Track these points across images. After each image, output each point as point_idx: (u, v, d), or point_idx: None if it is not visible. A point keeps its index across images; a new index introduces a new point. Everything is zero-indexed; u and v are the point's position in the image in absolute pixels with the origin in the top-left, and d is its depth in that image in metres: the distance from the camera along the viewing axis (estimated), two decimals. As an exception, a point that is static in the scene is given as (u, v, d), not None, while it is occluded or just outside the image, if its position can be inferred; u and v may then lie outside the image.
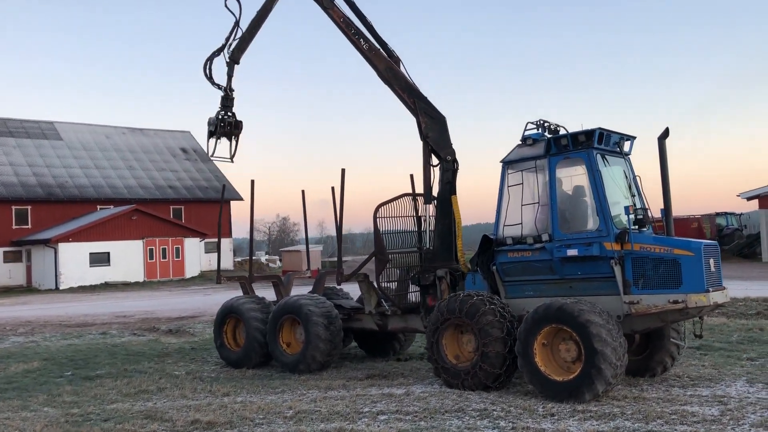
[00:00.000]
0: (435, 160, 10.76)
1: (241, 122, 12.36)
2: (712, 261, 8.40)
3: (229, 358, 12.09)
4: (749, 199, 39.10)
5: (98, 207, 48.62)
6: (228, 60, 12.03)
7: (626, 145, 9.53)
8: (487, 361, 8.83)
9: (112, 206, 48.49)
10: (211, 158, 12.44)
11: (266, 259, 75.08)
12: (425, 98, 10.73)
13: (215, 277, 13.65)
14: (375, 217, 10.77)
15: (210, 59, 12.04)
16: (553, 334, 8.47)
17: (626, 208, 8.43)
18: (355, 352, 13.25)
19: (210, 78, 12.10)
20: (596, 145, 8.86)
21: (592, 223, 8.87)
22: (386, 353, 12.53)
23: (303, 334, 11.03)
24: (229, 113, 12.29)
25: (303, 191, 13.65)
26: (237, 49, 12.03)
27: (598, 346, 7.88)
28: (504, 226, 9.49)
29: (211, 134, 12.31)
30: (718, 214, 44.08)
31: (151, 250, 45.17)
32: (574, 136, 8.99)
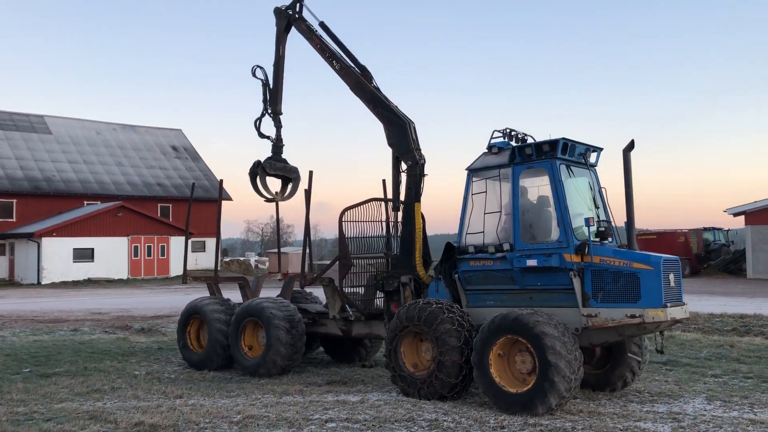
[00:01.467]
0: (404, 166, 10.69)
1: (296, 168, 13.16)
2: (672, 276, 8.30)
3: (191, 360, 11.93)
4: (735, 215, 39.16)
5: (85, 202, 48.33)
6: (272, 116, 13.01)
7: (592, 157, 9.44)
8: (444, 371, 8.71)
9: (99, 202, 48.19)
10: (266, 199, 12.83)
11: (256, 261, 74.88)
12: (388, 106, 10.78)
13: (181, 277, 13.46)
14: (340, 221, 10.64)
15: (259, 119, 13.03)
16: (510, 345, 8.36)
17: (586, 220, 8.32)
18: (321, 357, 13.12)
19: (260, 133, 13.02)
20: (560, 155, 8.77)
21: (553, 234, 8.76)
22: (352, 359, 12.39)
23: (265, 337, 10.89)
24: (280, 159, 12.97)
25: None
26: (273, 103, 13.01)
27: (551, 358, 7.77)
28: (467, 234, 9.38)
29: (256, 176, 12.80)
30: (705, 229, 44.08)
31: (136, 248, 44.92)
32: (538, 146, 8.90)
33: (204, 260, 53.23)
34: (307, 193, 12.27)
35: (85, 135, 55.19)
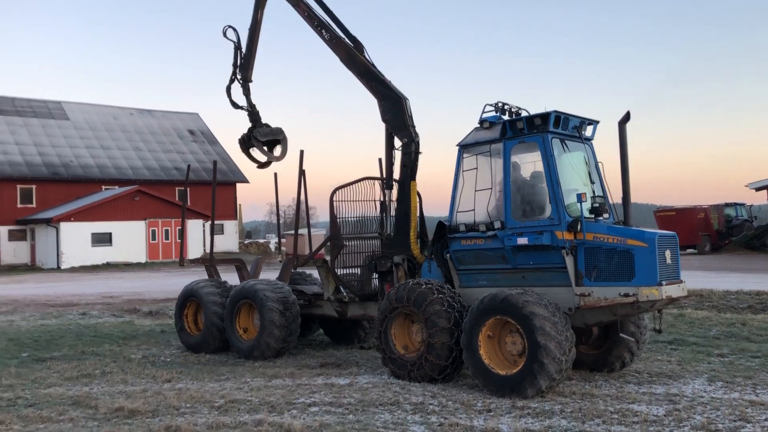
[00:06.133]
0: (399, 143, 10.42)
1: (280, 128, 12.76)
2: (668, 252, 7.97)
3: (188, 343, 11.86)
4: (758, 189, 38.26)
5: (103, 187, 48.71)
6: (241, 82, 12.55)
7: (588, 130, 9.08)
8: (433, 353, 8.50)
9: (116, 187, 48.54)
10: (259, 166, 12.73)
11: (276, 242, 75.19)
12: (383, 81, 10.43)
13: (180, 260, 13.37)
14: (331, 201, 10.42)
15: (228, 86, 12.62)
16: (500, 326, 8.11)
17: (578, 196, 7.99)
18: (321, 339, 12.98)
19: (232, 102, 12.61)
20: (552, 129, 8.43)
21: (545, 211, 8.45)
22: (351, 341, 12.24)
23: (259, 319, 10.75)
24: (262, 126, 12.61)
25: (276, 173, 13.28)
26: (244, 69, 12.52)
27: (541, 339, 7.51)
28: (458, 212, 9.11)
29: (248, 148, 12.66)
30: (727, 205, 43.07)
31: (153, 231, 45.20)
32: (529, 120, 8.56)
33: (221, 242, 53.54)
34: (303, 173, 12.00)
35: (102, 120, 55.49)
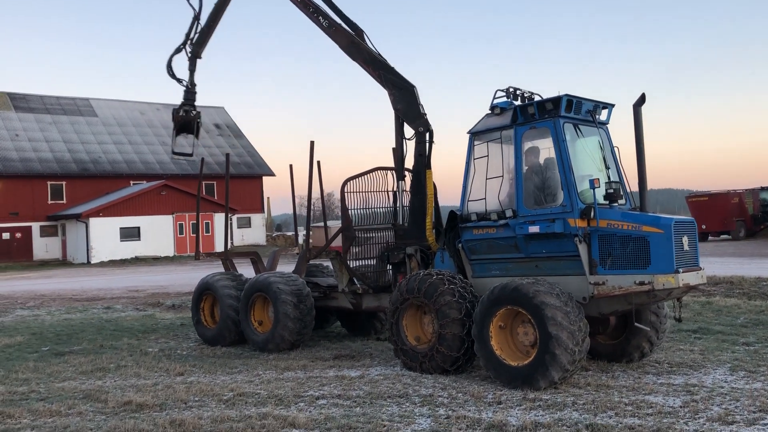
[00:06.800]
0: (410, 132, 10.23)
1: (198, 113, 12.46)
2: (685, 239, 7.70)
3: (205, 336, 11.88)
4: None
5: (131, 182, 49.35)
6: (189, 55, 12.02)
7: (603, 114, 8.81)
8: (444, 344, 8.36)
9: (144, 182, 49.13)
10: (173, 155, 12.67)
11: (305, 235, 75.26)
12: (392, 69, 10.19)
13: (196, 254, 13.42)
14: (342, 192, 10.30)
15: (172, 56, 11.98)
16: (512, 317, 7.93)
17: (591, 182, 7.76)
18: (338, 330, 12.92)
19: (172, 74, 12.06)
20: (564, 113, 8.19)
21: (557, 198, 8.22)
22: (367, 332, 12.15)
23: (273, 312, 10.71)
24: (194, 110, 12.33)
25: (291, 165, 13.21)
26: (197, 43, 11.98)
27: (552, 330, 7.32)
28: (469, 201, 8.92)
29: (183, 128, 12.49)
30: (763, 189, 41.93)
31: (180, 225, 45.68)
32: (540, 104, 8.33)
33: (248, 235, 54.00)
34: (318, 164, 11.90)
35: (130, 116, 56.18)
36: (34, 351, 11.52)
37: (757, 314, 12.63)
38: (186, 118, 12.39)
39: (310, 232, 12.06)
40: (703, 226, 38.99)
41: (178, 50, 12.04)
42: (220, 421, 6.57)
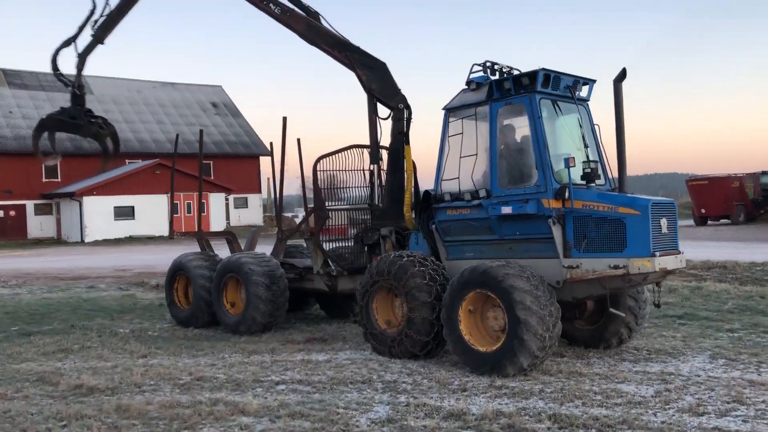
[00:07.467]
0: (385, 113, 9.85)
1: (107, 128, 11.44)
2: (664, 221, 7.35)
3: (178, 317, 11.62)
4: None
5: (126, 161, 48.93)
6: (92, 38, 10.84)
7: (583, 90, 8.42)
8: (414, 328, 8.06)
9: (140, 160, 48.72)
10: (44, 161, 11.47)
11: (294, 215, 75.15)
12: (358, 49, 9.75)
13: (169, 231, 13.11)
14: (315, 170, 9.96)
15: (58, 49, 10.75)
16: (483, 301, 7.62)
17: (566, 160, 7.39)
18: (318, 313, 12.63)
19: (56, 67, 10.87)
20: (540, 88, 7.80)
21: (532, 177, 7.86)
22: (345, 315, 11.85)
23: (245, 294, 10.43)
24: (97, 116, 11.51)
25: (271, 143, 12.77)
26: (104, 27, 10.88)
27: (521, 314, 7.01)
28: (443, 180, 8.58)
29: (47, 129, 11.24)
30: (764, 173, 41.40)
31: (175, 205, 45.33)
32: (516, 79, 7.94)
33: (245, 215, 53.75)
34: (298, 142, 11.48)
35: (126, 94, 55.66)
36: (2, 331, 11.25)
37: (746, 300, 12.32)
38: (91, 130, 11.30)
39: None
40: (702, 210, 38.61)
41: (66, 43, 10.79)
42: (168, 406, 6.28)
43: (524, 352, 7.03)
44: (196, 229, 12.54)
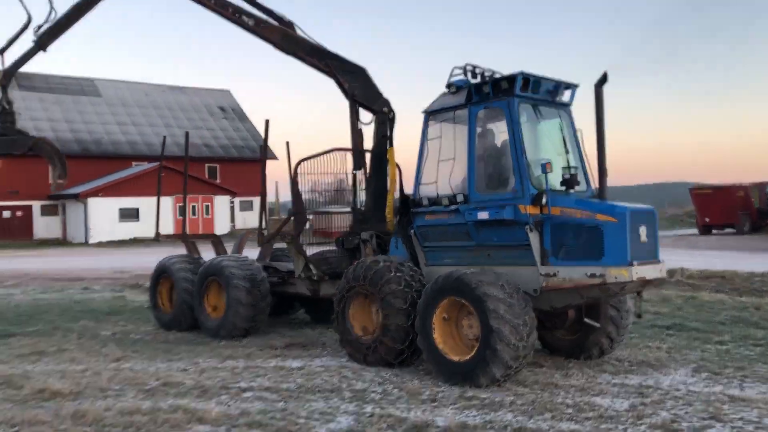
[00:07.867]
0: (368, 118, 9.71)
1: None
2: (643, 229, 7.14)
3: (161, 320, 11.49)
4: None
5: (133, 163, 49.05)
6: (34, 43, 10.26)
7: (565, 95, 8.24)
8: (389, 335, 7.89)
9: (146, 163, 48.78)
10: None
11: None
12: (336, 55, 9.61)
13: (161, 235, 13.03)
14: (295, 173, 9.81)
15: (5, 47, 10.15)
16: (458, 308, 7.44)
17: (543, 166, 7.20)
18: (303, 317, 12.47)
19: None
20: (519, 92, 7.63)
21: (509, 183, 7.68)
22: (329, 320, 11.65)
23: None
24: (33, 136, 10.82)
25: (261, 146, 12.65)
26: (50, 34, 10.33)
27: (494, 323, 6.82)
28: (421, 184, 8.41)
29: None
30: (769, 183, 40.87)
31: (180, 207, 45.36)
32: (495, 83, 7.77)
33: (250, 219, 53.71)
34: (287, 144, 11.32)
35: (134, 97, 55.83)
36: (-16, 332, 11.17)
37: (740, 311, 12.05)
38: (27, 143, 10.64)
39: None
40: (707, 219, 38.19)
41: (16, 37, 10.16)
42: (126, 413, 6.15)
43: (497, 362, 6.84)
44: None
